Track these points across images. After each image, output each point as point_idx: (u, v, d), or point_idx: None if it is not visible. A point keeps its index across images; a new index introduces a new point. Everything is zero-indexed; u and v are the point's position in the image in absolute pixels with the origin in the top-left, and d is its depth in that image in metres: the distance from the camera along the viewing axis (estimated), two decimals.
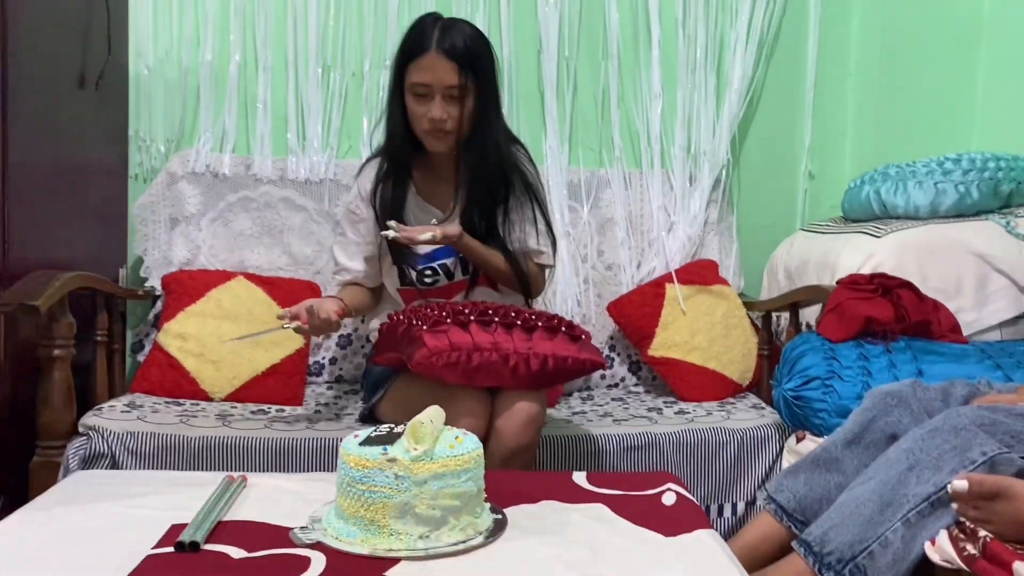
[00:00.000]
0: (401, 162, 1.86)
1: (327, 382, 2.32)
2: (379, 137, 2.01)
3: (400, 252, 1.86)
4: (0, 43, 1.74)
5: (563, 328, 1.73)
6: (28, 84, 1.83)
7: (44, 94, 1.92)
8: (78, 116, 2.09)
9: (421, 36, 1.77)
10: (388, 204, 1.86)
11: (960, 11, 2.62)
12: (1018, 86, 2.47)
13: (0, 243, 1.76)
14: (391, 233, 1.72)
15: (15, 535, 1.21)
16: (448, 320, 1.67)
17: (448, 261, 1.89)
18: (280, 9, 2.46)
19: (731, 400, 2.23)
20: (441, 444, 1.22)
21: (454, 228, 1.78)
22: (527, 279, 1.90)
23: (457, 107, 1.77)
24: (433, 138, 1.80)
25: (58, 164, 2.00)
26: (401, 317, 1.75)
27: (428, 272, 1.89)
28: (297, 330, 1.74)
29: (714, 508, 1.92)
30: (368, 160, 1.97)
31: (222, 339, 2.04)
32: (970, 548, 1.21)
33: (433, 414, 1.26)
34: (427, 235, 1.72)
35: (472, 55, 1.76)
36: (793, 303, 2.21)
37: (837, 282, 1.97)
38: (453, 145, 1.83)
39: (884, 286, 1.89)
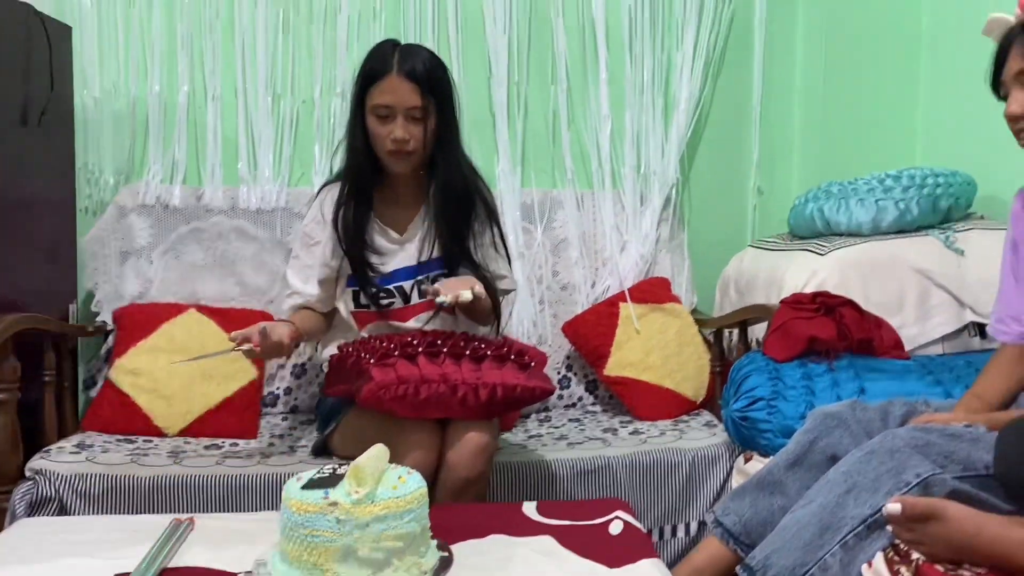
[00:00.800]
0: (362, 185, 1.89)
1: (282, 413, 2.31)
2: (338, 163, 2.03)
3: (362, 271, 1.88)
4: None
5: (512, 356, 1.74)
6: None
7: None
8: (22, 152, 2.06)
9: (382, 60, 1.81)
10: (350, 227, 1.88)
11: (901, 27, 2.68)
12: (958, 102, 2.53)
13: None
14: (446, 300, 1.72)
15: None
16: (396, 352, 1.68)
17: (405, 284, 1.90)
18: (228, 38, 2.46)
19: (685, 418, 2.26)
20: (384, 485, 1.23)
21: (475, 287, 1.77)
22: (499, 309, 1.94)
23: (418, 127, 1.81)
24: (396, 159, 1.84)
25: (2, 201, 1.98)
26: (350, 349, 1.76)
27: (384, 294, 1.90)
28: (248, 353, 1.72)
29: (667, 529, 1.95)
30: (326, 184, 1.99)
31: (171, 361, 2.02)
32: (904, 571, 1.24)
33: (376, 453, 1.27)
34: (468, 294, 1.74)
35: (432, 78, 1.81)
36: (742, 321, 2.25)
37: (781, 301, 2.00)
38: (415, 166, 1.87)
39: (826, 305, 1.93)
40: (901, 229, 2.21)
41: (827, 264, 2.12)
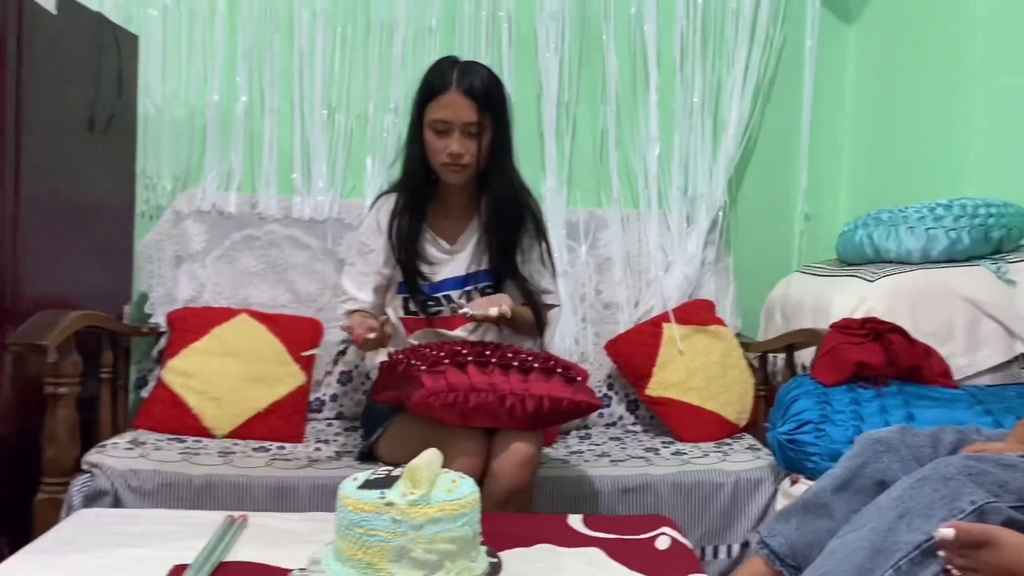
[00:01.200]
0: (418, 197, 1.94)
1: (327, 419, 2.35)
2: (394, 174, 2.09)
3: (413, 280, 1.92)
4: (15, 88, 1.79)
5: (559, 370, 1.76)
6: (40, 127, 1.88)
7: (55, 136, 1.97)
8: (87, 157, 2.13)
9: (441, 76, 1.87)
10: (404, 236, 1.92)
11: (954, 57, 2.66)
12: (1011, 133, 2.51)
13: (12, 281, 1.80)
14: (468, 312, 1.77)
15: None
16: (446, 361, 1.70)
17: (453, 293, 1.94)
18: (287, 53, 2.52)
19: (728, 441, 2.25)
20: (438, 488, 1.24)
21: (506, 302, 1.82)
22: (544, 323, 1.97)
23: (474, 143, 1.86)
24: (451, 171, 1.89)
25: (67, 204, 2.05)
26: (400, 356, 1.78)
27: (432, 302, 1.94)
28: (362, 344, 1.75)
29: (709, 550, 1.94)
30: (382, 195, 2.04)
31: (247, 374, 2.13)
32: None
33: (430, 458, 1.28)
34: (495, 311, 1.77)
35: (489, 95, 1.86)
36: (789, 345, 2.24)
37: (830, 326, 2.00)
38: (469, 179, 1.92)
39: (875, 331, 1.92)
40: (951, 258, 2.20)
41: (876, 291, 2.11)
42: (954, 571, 1.27)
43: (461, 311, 1.79)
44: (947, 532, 1.26)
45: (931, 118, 2.69)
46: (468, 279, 1.95)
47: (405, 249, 1.92)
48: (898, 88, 2.70)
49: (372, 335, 1.72)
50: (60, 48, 1.97)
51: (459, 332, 1.93)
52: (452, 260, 1.96)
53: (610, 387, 2.49)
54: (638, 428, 2.44)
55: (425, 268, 1.93)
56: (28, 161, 1.83)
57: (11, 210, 1.80)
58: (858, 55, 2.80)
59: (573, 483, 1.90)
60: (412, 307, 1.95)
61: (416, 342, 1.91)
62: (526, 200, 1.98)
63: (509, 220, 1.93)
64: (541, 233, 1.99)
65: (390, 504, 1.19)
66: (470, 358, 1.71)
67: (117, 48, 2.18)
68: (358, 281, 1.97)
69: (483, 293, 1.94)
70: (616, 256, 2.58)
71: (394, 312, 1.98)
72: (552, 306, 2.03)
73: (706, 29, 2.67)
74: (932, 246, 2.17)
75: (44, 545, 1.36)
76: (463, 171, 1.88)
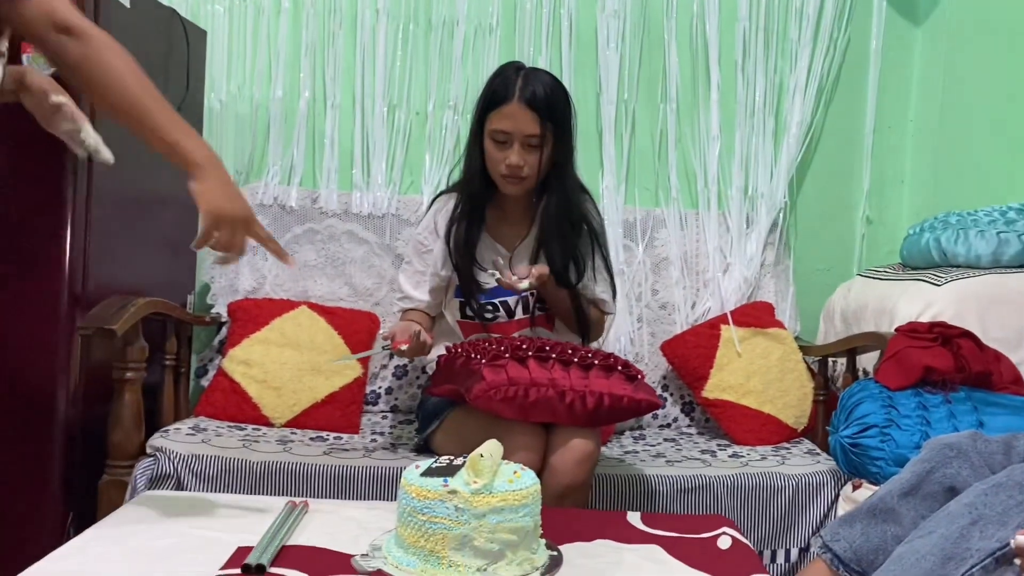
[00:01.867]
0: (477, 202, 1.93)
1: (382, 411, 2.36)
2: (455, 175, 2.10)
3: (468, 287, 1.92)
4: None
5: (619, 367, 1.74)
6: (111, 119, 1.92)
7: (125, 129, 2.00)
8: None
9: (504, 85, 1.84)
10: (462, 241, 1.92)
11: (1022, 59, 2.60)
12: None
13: (81, 268, 1.84)
14: (495, 273, 1.78)
15: (88, 553, 1.26)
16: (506, 355, 1.70)
17: (510, 299, 1.94)
18: (349, 49, 2.55)
19: (786, 445, 2.22)
20: (500, 478, 1.24)
21: (543, 267, 1.83)
22: (588, 322, 1.95)
23: (534, 155, 1.84)
24: (509, 183, 1.87)
25: (135, 195, 2.09)
26: (459, 350, 1.79)
27: (489, 307, 1.94)
28: (400, 352, 1.76)
29: (767, 554, 1.91)
30: (441, 194, 2.04)
31: (328, 361, 2.13)
32: None
33: (492, 448, 1.28)
34: (525, 284, 1.78)
35: (552, 106, 1.83)
36: (850, 349, 2.20)
37: (896, 329, 1.95)
38: (527, 190, 1.90)
39: (944, 335, 1.87)
40: (1023, 264, 2.14)
41: (943, 295, 2.06)
42: None
43: (494, 275, 1.77)
44: None
45: (999, 121, 2.62)
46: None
47: (462, 256, 1.91)
48: (965, 91, 2.64)
49: (405, 347, 1.72)
50: (133, 40, 1.98)
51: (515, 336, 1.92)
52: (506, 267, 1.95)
53: (665, 388, 2.46)
54: (693, 430, 2.41)
55: (481, 276, 1.92)
56: None
57: (83, 200, 1.85)
58: (924, 57, 2.74)
59: (630, 482, 1.88)
60: (469, 312, 1.95)
61: None
62: (584, 209, 1.96)
63: (566, 230, 1.91)
64: (598, 242, 1.96)
65: (453, 492, 1.19)
66: (530, 353, 1.70)
67: (186, 42, 2.23)
68: (415, 280, 1.98)
69: (538, 301, 1.94)
70: (673, 256, 2.55)
71: (451, 315, 1.99)
72: (606, 313, 2.01)
73: (768, 28, 2.63)
74: (1004, 250, 2.11)
75: (112, 524, 1.39)
76: (522, 183, 1.87)
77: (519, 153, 1.82)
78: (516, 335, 1.91)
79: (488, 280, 1.92)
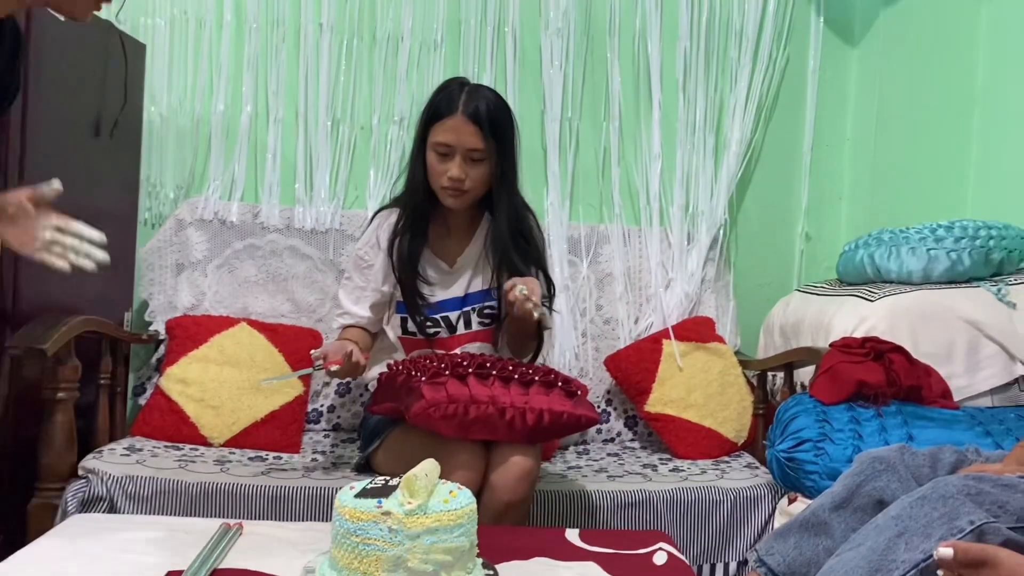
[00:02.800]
0: (419, 217, 1.94)
1: (324, 430, 2.34)
2: (397, 190, 2.09)
3: (412, 300, 1.92)
4: (22, 91, 1.79)
5: (560, 383, 1.75)
6: (46, 131, 1.88)
7: (61, 141, 1.97)
8: (91, 163, 2.14)
9: (448, 99, 1.86)
10: (404, 257, 1.92)
11: (955, 80, 2.68)
12: (1011, 156, 2.52)
13: (12, 286, 1.80)
14: (524, 291, 1.74)
15: None
16: (447, 372, 1.70)
17: (451, 315, 1.95)
18: (293, 64, 2.53)
19: (726, 459, 2.25)
20: (435, 498, 1.24)
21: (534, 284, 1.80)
22: (542, 342, 1.97)
23: (476, 169, 1.86)
24: (450, 196, 1.88)
25: (70, 210, 2.03)
26: (400, 367, 1.78)
27: (430, 323, 1.93)
28: (330, 373, 1.73)
29: (705, 568, 1.93)
30: (382, 209, 2.04)
31: (259, 381, 2.08)
32: None
33: (428, 468, 1.28)
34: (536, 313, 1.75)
35: (495, 122, 1.85)
36: (788, 363, 2.24)
37: (830, 345, 1.99)
38: (468, 204, 1.92)
39: (876, 350, 1.92)
40: (952, 280, 2.20)
41: (877, 311, 2.11)
42: None
43: (517, 289, 1.74)
44: (946, 551, 1.25)
45: (933, 140, 2.70)
46: (467, 299, 1.96)
47: (405, 269, 1.92)
48: (900, 110, 2.72)
49: (336, 367, 1.69)
50: (68, 54, 1.98)
51: (457, 352, 1.92)
52: (451, 281, 1.97)
53: (609, 403, 2.48)
54: (636, 444, 2.43)
55: (425, 289, 1.93)
56: (33, 164, 1.83)
57: None
58: (860, 77, 2.81)
59: (570, 498, 1.89)
60: (411, 327, 1.95)
61: None
62: (528, 226, 1.97)
63: (511, 245, 1.92)
64: (539, 258, 1.97)
65: (387, 513, 1.19)
66: (471, 370, 1.70)
67: (124, 55, 2.19)
68: (355, 296, 1.97)
69: (480, 315, 1.95)
70: (617, 272, 2.58)
71: (393, 331, 1.98)
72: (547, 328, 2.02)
73: (709, 48, 2.68)
74: (933, 267, 2.18)
75: (39, 549, 1.35)
76: (462, 196, 1.88)
77: (460, 166, 1.84)
78: (458, 351, 1.92)
79: (432, 294, 1.93)
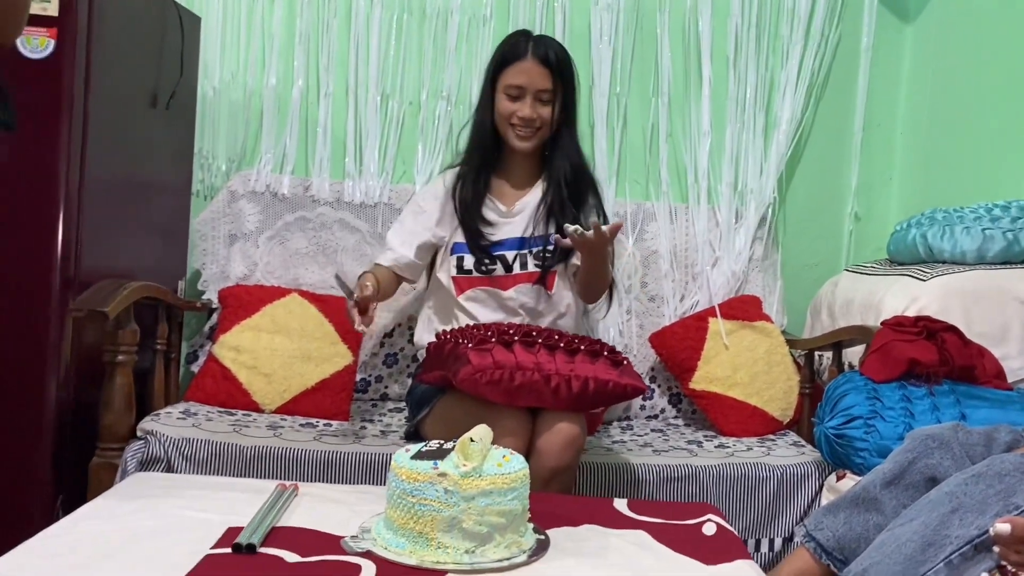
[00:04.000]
0: (484, 160, 2.02)
1: (372, 399, 2.37)
2: (446, 164, 2.16)
3: (475, 239, 1.99)
4: (84, 65, 1.84)
5: (605, 352, 1.76)
6: (106, 103, 1.93)
7: (120, 113, 2.02)
8: (148, 134, 2.18)
9: (516, 45, 1.97)
10: (467, 198, 2.01)
11: (1012, 57, 2.62)
12: None
13: (73, 252, 1.84)
14: (574, 229, 1.72)
15: (78, 532, 1.27)
16: (493, 339, 1.71)
17: (508, 254, 2.00)
18: (343, 38, 2.55)
19: (771, 437, 2.24)
20: (489, 462, 1.26)
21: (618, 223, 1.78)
22: (613, 285, 2.05)
23: (546, 108, 1.96)
24: (520, 136, 1.97)
25: (128, 180, 2.09)
26: (448, 336, 1.80)
27: (488, 260, 2.00)
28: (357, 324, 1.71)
29: (751, 542, 1.93)
30: (450, 167, 2.13)
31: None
32: None
33: (481, 432, 1.30)
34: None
35: (563, 66, 1.97)
36: (837, 342, 2.22)
37: (882, 323, 1.97)
38: (538, 144, 2.00)
39: (929, 329, 1.90)
40: (1007, 260, 2.16)
41: (929, 290, 2.09)
42: (1008, 566, 1.26)
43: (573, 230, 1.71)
44: (1004, 527, 1.24)
45: (988, 118, 2.64)
46: (525, 242, 2.01)
47: (468, 209, 1.99)
48: (954, 88, 2.66)
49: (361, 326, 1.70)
50: (127, 25, 2.02)
51: (511, 292, 1.98)
52: (508, 223, 2.02)
53: (653, 380, 2.48)
54: (680, 421, 2.43)
55: (486, 229, 2.00)
56: (93, 133, 1.88)
57: (77, 180, 1.85)
58: (914, 54, 2.76)
59: (616, 470, 1.90)
60: (466, 266, 2.00)
61: (466, 303, 1.98)
62: (588, 171, 2.07)
63: (573, 187, 2.00)
64: (600, 204, 2.05)
65: (443, 475, 1.21)
66: (516, 337, 1.72)
67: (180, 28, 2.23)
68: (402, 237, 2.03)
69: (538, 257, 2.00)
70: (663, 249, 2.57)
71: (446, 273, 2.03)
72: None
73: (760, 25, 2.65)
74: (988, 247, 2.14)
75: (102, 503, 1.40)
76: (534, 135, 1.97)
77: (531, 106, 1.94)
78: (512, 291, 1.96)
79: (493, 233, 1.99)
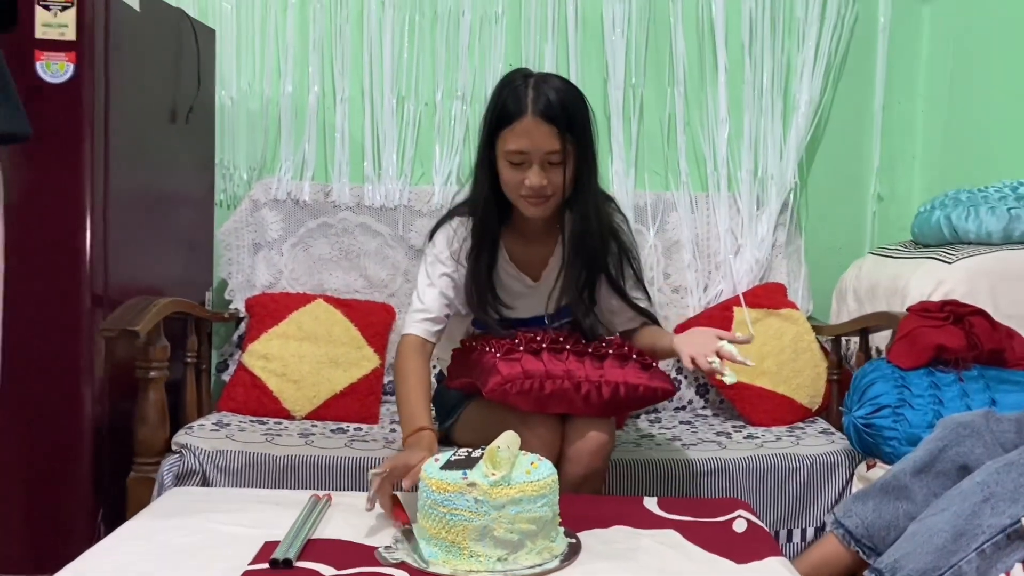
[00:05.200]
0: (490, 232, 1.76)
1: None
2: (465, 167, 2.06)
3: (490, 324, 1.78)
4: (104, 83, 1.86)
5: (634, 356, 1.76)
6: (127, 122, 1.95)
7: (140, 130, 2.04)
8: (169, 148, 2.21)
9: (515, 98, 1.64)
10: (483, 280, 1.77)
11: None
12: None
13: (102, 270, 1.88)
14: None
15: (121, 552, 1.30)
16: (521, 348, 1.71)
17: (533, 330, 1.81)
18: (357, 42, 2.56)
19: (800, 425, 2.24)
20: (518, 470, 1.27)
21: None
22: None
23: (557, 172, 1.66)
24: (532, 205, 1.70)
25: (152, 195, 2.12)
26: (474, 343, 1.81)
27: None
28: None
29: (783, 534, 1.93)
30: (447, 219, 1.81)
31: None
32: None
33: (509, 440, 1.31)
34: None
35: (571, 115, 1.65)
36: (863, 328, 2.21)
37: (908, 309, 1.96)
38: (551, 211, 1.74)
39: (956, 314, 1.88)
40: None
41: (955, 273, 2.07)
42: None
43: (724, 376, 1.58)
44: None
45: (1010, 96, 2.60)
46: (553, 316, 1.83)
47: (481, 294, 1.76)
48: (975, 65, 2.62)
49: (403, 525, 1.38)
50: (143, 43, 2.04)
51: None
52: (534, 296, 1.84)
53: (679, 371, 2.48)
54: (708, 412, 2.44)
55: (505, 311, 1.79)
56: (115, 153, 1.90)
57: (101, 201, 1.88)
58: (933, 31, 2.72)
59: (645, 466, 1.91)
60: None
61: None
62: (611, 224, 1.80)
63: (593, 252, 1.76)
64: (628, 255, 1.82)
65: (472, 484, 1.22)
66: (544, 345, 1.72)
67: (196, 42, 2.25)
68: (431, 297, 1.77)
69: (562, 326, 1.84)
70: (685, 239, 2.56)
71: (461, 329, 1.89)
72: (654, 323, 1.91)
73: (775, 8, 2.62)
74: (1015, 226, 2.11)
75: (142, 521, 1.43)
76: (546, 203, 1.69)
77: (539, 173, 1.64)
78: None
79: (513, 311, 1.81)
